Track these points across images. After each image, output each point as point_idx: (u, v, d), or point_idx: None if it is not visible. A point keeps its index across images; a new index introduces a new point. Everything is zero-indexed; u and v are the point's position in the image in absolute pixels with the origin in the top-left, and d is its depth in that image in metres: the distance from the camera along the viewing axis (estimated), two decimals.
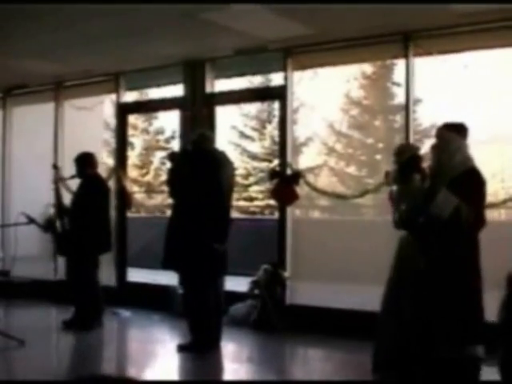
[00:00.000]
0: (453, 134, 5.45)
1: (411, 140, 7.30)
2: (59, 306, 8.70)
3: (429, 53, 7.14)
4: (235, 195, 8.44)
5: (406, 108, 7.43)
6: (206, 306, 6.54)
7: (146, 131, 24.56)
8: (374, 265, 6.87)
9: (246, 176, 22.51)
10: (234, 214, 9.73)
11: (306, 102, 8.57)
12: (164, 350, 7.16)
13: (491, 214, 7.55)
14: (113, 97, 9.79)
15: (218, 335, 6.76)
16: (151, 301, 8.76)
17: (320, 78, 8.33)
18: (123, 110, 9.76)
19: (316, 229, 8.36)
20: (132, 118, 17.64)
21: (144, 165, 24.29)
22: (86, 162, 7.85)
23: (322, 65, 8.09)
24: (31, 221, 7.37)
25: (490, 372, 5.02)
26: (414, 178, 5.60)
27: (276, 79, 9.19)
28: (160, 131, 24.53)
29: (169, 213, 7.89)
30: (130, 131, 17.12)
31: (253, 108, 22.69)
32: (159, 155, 24.07)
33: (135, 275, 9.92)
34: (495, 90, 7.16)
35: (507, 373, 4.47)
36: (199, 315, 6.58)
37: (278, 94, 8.36)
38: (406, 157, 5.84)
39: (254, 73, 10.13)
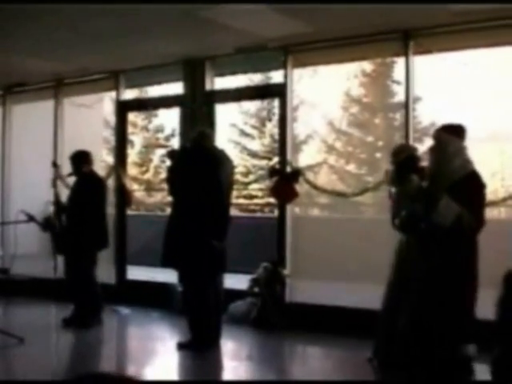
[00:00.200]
0: (451, 136, 5.41)
1: (411, 138, 7.30)
2: (59, 303, 8.70)
3: (428, 51, 7.13)
4: (235, 193, 8.44)
5: (406, 106, 7.43)
6: (205, 304, 6.54)
7: (145, 129, 24.54)
8: (374, 263, 6.88)
9: (246, 174, 22.51)
10: (234, 212, 9.73)
11: (305, 100, 8.56)
12: (164, 347, 7.17)
13: (491, 213, 7.55)
14: (112, 94, 9.78)
15: (218, 333, 6.76)
16: (151, 298, 8.76)
17: (320, 76, 8.33)
18: (123, 108, 9.76)
19: (316, 227, 8.35)
20: (132, 116, 17.65)
21: (144, 163, 24.27)
22: (81, 159, 7.86)
23: (321, 63, 8.09)
24: (31, 219, 7.37)
25: (483, 370, 5.02)
26: (412, 179, 5.58)
27: (276, 77, 9.17)
28: (160, 129, 24.52)
29: (168, 211, 7.90)
30: (130, 129, 17.12)
31: (253, 106, 22.70)
32: (159, 153, 24.06)
33: (135, 273, 9.92)
34: (495, 88, 7.15)
35: (501, 372, 4.47)
36: (199, 313, 6.58)
37: (278, 91, 8.36)
38: (403, 157, 5.85)
39: (253, 71, 10.15)
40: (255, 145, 23.02)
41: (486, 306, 5.14)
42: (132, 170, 20.07)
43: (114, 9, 6.53)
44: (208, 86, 8.81)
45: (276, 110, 14.47)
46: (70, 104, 10.10)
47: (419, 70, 7.35)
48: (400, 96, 7.88)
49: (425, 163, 5.72)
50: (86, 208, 7.61)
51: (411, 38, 7.23)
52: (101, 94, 10.00)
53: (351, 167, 13.84)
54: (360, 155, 14.49)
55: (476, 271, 5.29)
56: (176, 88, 9.25)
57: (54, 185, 8.14)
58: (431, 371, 5.25)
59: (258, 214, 19.59)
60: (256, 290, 7.97)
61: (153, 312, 8.50)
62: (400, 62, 7.68)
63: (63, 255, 8.15)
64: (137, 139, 24.00)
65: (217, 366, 6.53)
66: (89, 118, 10.19)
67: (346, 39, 7.54)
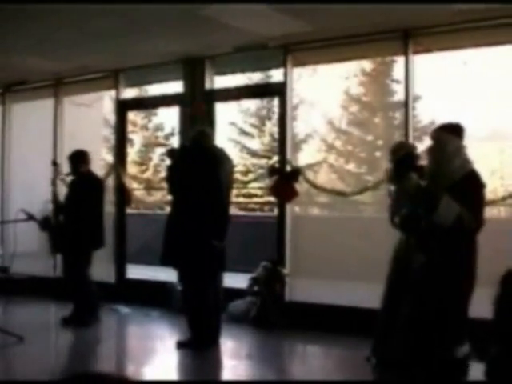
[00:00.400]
0: (450, 135, 5.39)
1: (411, 137, 7.30)
2: (58, 302, 8.71)
3: (428, 50, 7.14)
4: (234, 192, 8.43)
5: (406, 105, 7.43)
6: (205, 302, 6.54)
7: (145, 128, 24.53)
8: (373, 262, 6.87)
9: (246, 173, 22.50)
10: (233, 211, 9.73)
11: (305, 99, 8.56)
12: (163, 346, 7.17)
13: (490, 212, 7.54)
14: (112, 93, 9.78)
15: (217, 332, 6.76)
16: (150, 297, 8.77)
17: (319, 75, 8.33)
18: (123, 107, 9.76)
19: (315, 226, 8.35)
20: (131, 115, 17.63)
21: (143, 161, 24.27)
22: (79, 159, 7.87)
23: (321, 61, 8.09)
24: (30, 217, 7.38)
25: (479, 370, 5.02)
26: (411, 177, 5.57)
27: (275, 76, 9.17)
28: (159, 128, 24.51)
29: (168, 209, 7.90)
30: (130, 128, 17.11)
31: (252, 105, 22.70)
32: (158, 152, 24.04)
33: (134, 272, 9.92)
34: (495, 87, 7.15)
35: (497, 372, 4.46)
36: (198, 312, 6.58)
37: (278, 90, 8.36)
38: (401, 154, 5.84)
39: (253, 70, 10.14)
40: (255, 144, 23.01)
41: (484, 305, 5.15)
42: (132, 169, 20.06)
43: (113, 8, 6.53)
44: (208, 85, 8.81)
45: (276, 109, 14.46)
46: (69, 103, 10.10)
47: (419, 68, 7.35)
48: (400, 95, 7.88)
49: (424, 162, 5.71)
50: (81, 207, 7.62)
51: (411, 37, 7.23)
52: (100, 92, 10.00)
53: (351, 166, 13.84)
54: (360, 154, 14.49)
55: (474, 271, 5.29)
56: (176, 87, 9.26)
57: (54, 184, 8.14)
58: (429, 370, 5.25)
59: (258, 213, 19.59)
60: (256, 288, 7.97)
61: (152, 311, 8.50)
62: (400, 61, 7.68)
63: (60, 254, 8.17)
64: (136, 138, 23.99)
65: (216, 364, 6.53)
66: (88, 117, 10.19)
67: (346, 38, 7.54)
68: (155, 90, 10.82)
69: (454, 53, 7.12)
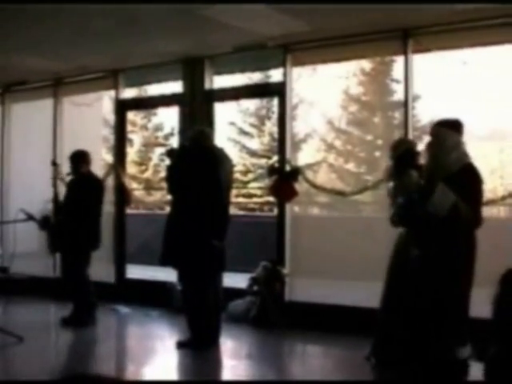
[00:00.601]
0: (449, 130, 5.40)
1: (410, 136, 7.30)
2: (58, 302, 8.71)
3: (428, 49, 7.13)
4: (234, 192, 8.43)
5: (405, 104, 7.42)
6: (205, 302, 6.54)
7: (144, 128, 24.53)
8: (373, 261, 6.87)
9: (245, 172, 22.49)
10: (233, 211, 9.73)
11: (304, 99, 8.57)
12: (163, 346, 7.16)
13: (490, 211, 7.55)
14: (112, 93, 9.78)
15: (217, 332, 6.76)
16: (150, 297, 8.77)
17: (319, 75, 8.34)
18: (122, 107, 9.75)
19: (315, 225, 8.35)
20: (131, 115, 17.63)
21: (143, 161, 24.26)
22: (79, 159, 7.87)
23: (320, 61, 8.09)
24: (30, 217, 7.38)
25: (478, 369, 5.02)
26: (411, 174, 5.56)
27: (275, 76, 9.17)
28: (159, 128, 24.50)
29: (168, 209, 7.89)
30: (129, 128, 17.11)
31: (252, 104, 22.69)
32: (158, 152, 24.04)
33: (134, 272, 9.92)
34: (494, 87, 7.16)
35: (496, 371, 4.47)
36: (198, 312, 6.58)
37: (277, 90, 8.35)
38: (401, 150, 5.84)
39: (252, 69, 10.12)
40: (254, 143, 23.00)
41: (484, 305, 5.15)
42: (131, 169, 20.08)
43: (113, 8, 6.53)
44: (207, 85, 8.80)
45: (275, 109, 14.48)
46: (69, 103, 10.09)
47: (418, 68, 7.35)
48: (399, 94, 7.88)
49: (423, 161, 5.71)
50: (80, 208, 7.62)
51: (410, 37, 7.23)
52: (100, 92, 9.99)
53: (350, 166, 13.86)
54: (359, 154, 14.51)
55: (473, 268, 5.29)
56: (175, 87, 9.26)
57: (54, 184, 8.14)
58: (428, 370, 5.25)
59: (258, 213, 19.59)
60: (255, 288, 7.97)
61: (152, 311, 8.50)
62: (399, 61, 7.68)
63: (58, 254, 8.18)
64: (136, 138, 23.99)
65: (216, 364, 6.53)
66: (88, 117, 10.18)
67: (345, 38, 7.54)
68: (155, 89, 10.82)
69: (454, 52, 7.11)
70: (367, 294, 6.76)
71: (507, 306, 4.37)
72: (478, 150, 5.73)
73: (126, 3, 6.39)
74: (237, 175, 19.23)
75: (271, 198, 11.31)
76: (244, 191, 21.76)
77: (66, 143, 9.94)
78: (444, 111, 6.98)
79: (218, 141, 7.73)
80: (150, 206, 20.77)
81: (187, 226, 6.46)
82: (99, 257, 8.10)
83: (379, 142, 11.79)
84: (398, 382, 5.46)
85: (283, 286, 7.97)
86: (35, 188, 9.59)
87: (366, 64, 14.50)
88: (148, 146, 24.58)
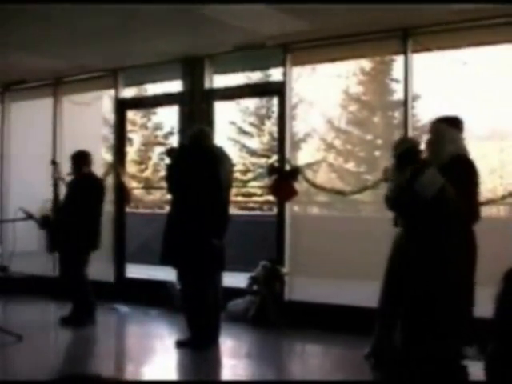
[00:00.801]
0: (448, 127, 5.44)
1: (410, 136, 7.30)
2: (57, 301, 8.70)
3: (427, 49, 7.13)
4: (234, 191, 8.43)
5: (405, 104, 7.42)
6: (204, 302, 6.54)
7: (144, 127, 24.54)
8: (373, 261, 6.86)
9: (245, 172, 22.50)
10: (233, 210, 9.73)
11: (304, 98, 8.59)
12: (162, 345, 7.16)
13: (490, 210, 7.55)
14: (111, 92, 9.77)
15: (217, 331, 6.76)
16: (150, 296, 8.76)
17: (319, 74, 8.35)
18: (122, 106, 9.75)
19: (315, 225, 8.35)
20: (131, 114, 17.62)
21: (143, 160, 24.27)
22: (80, 160, 7.87)
23: (320, 61, 8.10)
24: (29, 216, 7.38)
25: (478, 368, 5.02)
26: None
27: (275, 75, 9.18)
28: (159, 127, 24.51)
29: (167, 208, 7.89)
30: (129, 127, 17.10)
31: (251, 104, 22.70)
32: (158, 151, 24.05)
33: (134, 271, 9.91)
34: (494, 86, 7.16)
35: (495, 368, 4.47)
36: (198, 311, 6.57)
37: (277, 89, 8.35)
38: (403, 149, 5.84)
39: (252, 69, 10.13)
40: (254, 143, 23.01)
41: (483, 305, 5.15)
42: (131, 168, 20.08)
43: (112, 7, 6.52)
44: (207, 84, 8.80)
45: (275, 108, 14.48)
46: (68, 102, 10.09)
47: (418, 68, 7.35)
48: (399, 94, 7.90)
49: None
50: (80, 208, 7.62)
51: (410, 36, 7.22)
52: (100, 91, 10.00)
53: (350, 165, 13.86)
54: (359, 153, 14.52)
55: (473, 267, 5.29)
56: (175, 86, 9.26)
57: (53, 183, 8.13)
58: (427, 370, 5.25)
59: (257, 212, 19.59)
60: (255, 288, 7.97)
61: (152, 310, 8.50)
62: (399, 60, 7.68)
63: (57, 253, 8.18)
64: (136, 137, 24.00)
65: (216, 364, 6.52)
66: (88, 116, 10.19)
67: (345, 37, 7.54)
68: (154, 89, 10.83)
69: (454, 52, 7.11)
70: (367, 293, 6.75)
71: (509, 304, 4.37)
72: (477, 149, 5.73)
73: (125, 3, 6.39)
74: (236, 174, 19.21)
75: (271, 198, 11.30)
76: (244, 190, 21.77)
77: (65, 142, 9.95)
78: (444, 111, 6.98)
79: (217, 140, 7.74)
80: (149, 205, 20.77)
81: (187, 226, 6.46)
82: (99, 256, 8.09)
83: (379, 141, 11.81)
84: (397, 381, 5.46)
85: (283, 286, 7.97)
86: (35, 187, 9.58)
87: (365, 63, 14.51)
88: (148, 145, 24.59)
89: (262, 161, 21.81)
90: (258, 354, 6.93)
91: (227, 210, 6.82)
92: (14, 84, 10.46)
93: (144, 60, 8.97)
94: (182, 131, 8.87)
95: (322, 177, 9.07)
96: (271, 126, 21.34)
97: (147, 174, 23.96)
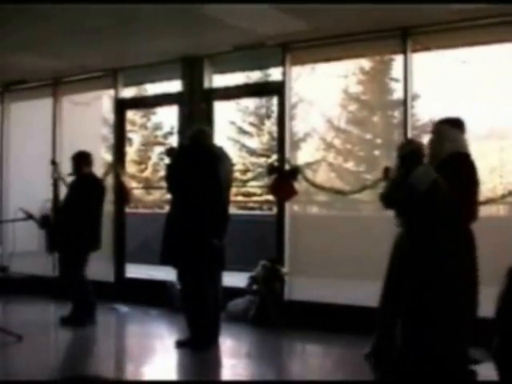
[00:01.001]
0: (450, 128, 5.47)
1: (410, 135, 7.30)
2: (57, 301, 8.70)
3: (427, 48, 7.14)
4: (233, 191, 8.43)
5: (405, 103, 7.42)
6: (204, 302, 6.54)
7: (144, 127, 24.54)
8: (373, 260, 6.87)
9: (245, 171, 22.50)
10: (233, 210, 9.74)
11: (304, 98, 8.57)
12: (162, 345, 7.16)
13: (490, 209, 7.55)
14: (111, 92, 9.77)
15: (217, 331, 6.76)
16: (150, 296, 8.76)
17: (318, 74, 8.33)
18: (121, 106, 9.75)
19: (314, 224, 8.35)
20: (130, 114, 17.63)
21: (142, 160, 24.27)
22: (81, 160, 7.87)
23: (320, 60, 8.09)
24: (29, 216, 7.38)
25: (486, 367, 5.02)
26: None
27: (274, 75, 9.17)
28: (158, 127, 24.52)
29: (167, 208, 7.89)
30: (129, 127, 17.12)
31: (251, 103, 22.70)
32: (157, 151, 24.06)
33: (133, 271, 9.91)
34: (494, 86, 7.15)
35: (501, 363, 4.47)
36: (198, 311, 6.57)
37: (277, 89, 8.34)
38: (406, 151, 5.85)
39: (252, 68, 10.12)
40: (254, 142, 23.01)
41: (484, 304, 5.15)
42: (131, 168, 20.09)
43: (112, 7, 6.53)
44: (206, 84, 8.80)
45: (274, 108, 14.48)
46: (68, 102, 10.09)
47: (417, 67, 7.35)
48: (398, 93, 7.88)
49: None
50: (80, 209, 7.62)
51: (409, 36, 7.23)
52: (99, 91, 9.99)
53: (350, 165, 13.86)
54: (358, 153, 14.51)
55: (474, 267, 5.29)
56: (174, 86, 9.26)
57: (53, 183, 8.13)
58: (428, 369, 5.25)
59: (257, 212, 19.59)
60: (255, 287, 7.97)
61: (151, 310, 8.50)
62: (398, 60, 7.68)
63: (57, 253, 8.19)
64: (135, 137, 24.01)
65: (216, 364, 6.52)
66: (87, 116, 10.19)
67: (344, 37, 7.54)
68: (154, 89, 10.83)
69: (453, 51, 7.11)
70: (367, 292, 6.76)
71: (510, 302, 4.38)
72: (477, 149, 5.73)
73: (125, 3, 6.39)
74: (236, 174, 19.22)
75: (270, 197, 11.30)
76: (243, 190, 21.77)
77: (65, 142, 9.95)
78: (443, 110, 6.98)
79: (217, 140, 7.74)
80: (149, 205, 20.77)
81: (187, 225, 6.46)
82: (98, 256, 8.08)
83: (378, 140, 11.81)
84: (397, 381, 5.46)
85: (282, 285, 7.97)
86: (34, 187, 9.59)
87: (365, 63, 14.51)
88: (147, 145, 24.60)
89: (262, 160, 21.82)
90: (258, 353, 6.93)
91: (227, 209, 6.82)
92: (13, 84, 10.46)
93: (143, 60, 8.98)
94: (182, 131, 8.86)
95: (322, 176, 9.07)
96: (271, 125, 21.34)
97: (147, 173, 23.96)
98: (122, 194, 9.53)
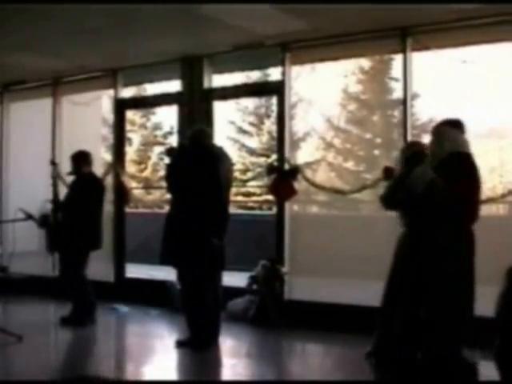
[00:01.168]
0: (450, 129, 5.48)
1: (409, 135, 7.31)
2: (57, 301, 8.70)
3: (426, 47, 7.13)
4: (233, 190, 8.43)
5: (404, 103, 7.43)
6: (204, 301, 6.54)
7: (143, 127, 24.54)
8: (373, 260, 6.87)
9: (244, 171, 22.50)
10: (232, 209, 9.73)
11: (303, 97, 8.57)
12: (162, 345, 7.16)
13: (489, 209, 7.55)
14: (111, 92, 9.77)
15: (217, 331, 6.76)
16: (149, 296, 8.76)
17: (318, 73, 8.33)
18: (121, 106, 9.75)
19: (314, 224, 8.35)
20: (130, 114, 17.63)
21: (142, 160, 24.28)
22: (81, 160, 7.87)
23: (319, 60, 8.09)
24: (29, 217, 7.38)
25: (487, 367, 5.02)
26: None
27: (274, 74, 9.16)
28: (158, 127, 24.52)
29: (167, 208, 7.89)
30: (128, 127, 17.11)
31: (251, 103, 22.70)
32: (157, 151, 24.07)
33: (133, 271, 9.91)
34: (493, 85, 7.15)
35: (503, 364, 4.48)
36: (197, 311, 6.57)
37: (276, 89, 8.35)
38: (409, 153, 5.86)
39: (251, 68, 10.12)
40: (253, 142, 23.01)
41: (483, 304, 5.16)
42: (130, 168, 20.09)
43: (111, 7, 6.52)
44: (206, 84, 8.80)
45: (274, 108, 14.46)
46: (68, 102, 10.09)
47: (417, 66, 7.35)
48: (398, 93, 7.89)
49: None
50: (81, 208, 7.62)
51: (409, 35, 7.23)
52: (99, 91, 9.98)
53: (349, 164, 13.84)
54: (358, 152, 14.49)
55: (472, 266, 5.29)
56: (174, 85, 9.25)
57: (53, 183, 8.13)
58: (428, 369, 5.25)
59: (257, 212, 19.59)
60: (255, 287, 7.98)
61: (151, 310, 8.50)
62: (398, 59, 7.67)
63: (57, 253, 8.19)
64: (135, 137, 24.01)
65: (216, 363, 6.52)
66: (87, 116, 10.18)
67: (344, 36, 7.54)
68: (153, 88, 10.82)
69: (453, 50, 7.11)
70: (366, 292, 6.76)
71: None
72: (477, 148, 5.72)
73: (125, 3, 6.38)
74: (236, 174, 19.23)
75: (270, 197, 11.30)
76: (243, 190, 21.77)
77: (64, 142, 9.94)
78: (443, 109, 6.99)
79: (217, 140, 7.74)
80: (149, 204, 20.79)
81: (187, 225, 6.46)
82: (98, 256, 8.09)
83: (378, 140, 11.80)
84: (398, 381, 5.46)
85: (282, 285, 7.97)
86: (34, 187, 9.58)
87: (364, 62, 14.51)
88: (147, 144, 24.60)
89: (262, 160, 21.82)
90: (258, 353, 6.93)
91: (227, 209, 6.81)
92: (13, 84, 10.47)
93: (143, 60, 8.97)
94: (182, 131, 8.86)
95: (322, 176, 9.06)
96: (270, 125, 21.34)
97: (146, 173, 23.96)
98: (122, 194, 9.53)
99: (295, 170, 7.99)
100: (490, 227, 5.58)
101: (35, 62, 8.94)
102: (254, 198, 21.33)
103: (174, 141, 12.97)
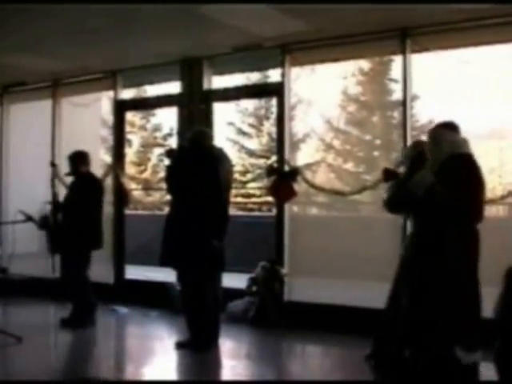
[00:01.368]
0: (446, 131, 5.47)
1: (409, 136, 7.31)
2: (57, 303, 8.70)
3: (426, 49, 7.14)
4: (233, 192, 8.42)
5: (404, 104, 7.43)
6: (204, 303, 6.54)
7: (143, 128, 24.55)
8: (372, 261, 6.88)
9: (244, 173, 22.51)
10: (232, 211, 9.74)
11: (303, 99, 8.55)
12: (162, 347, 7.16)
13: (489, 210, 7.55)
14: (110, 94, 9.77)
15: (216, 332, 6.76)
16: (149, 298, 8.76)
17: (317, 75, 8.33)
18: (121, 107, 9.75)
19: (314, 225, 8.35)
20: (130, 115, 17.64)
21: (142, 162, 24.28)
22: (78, 160, 7.87)
23: (319, 61, 8.09)
24: (29, 218, 7.38)
25: (487, 368, 5.02)
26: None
27: (273, 76, 9.16)
28: (158, 128, 24.53)
29: (167, 210, 7.89)
30: (128, 128, 17.09)
31: (250, 105, 22.72)
32: (157, 152, 24.08)
33: (133, 272, 9.91)
34: (493, 86, 7.15)
35: (503, 366, 4.48)
36: (197, 312, 6.57)
37: (276, 90, 8.35)
38: (416, 152, 5.85)
39: (251, 69, 10.13)
40: (253, 144, 23.03)
41: (484, 305, 5.15)
42: (130, 169, 20.11)
43: (111, 8, 6.53)
44: (206, 85, 8.81)
45: (274, 109, 14.48)
46: (67, 103, 10.09)
47: (417, 68, 7.35)
48: (398, 94, 7.88)
49: None
50: (80, 208, 7.62)
51: (408, 36, 7.23)
52: (98, 93, 9.98)
53: (349, 165, 13.81)
54: (358, 153, 14.47)
55: (475, 267, 5.28)
56: (174, 87, 9.26)
57: (53, 184, 8.14)
58: (428, 371, 5.25)
59: (256, 213, 19.59)
60: (254, 288, 7.98)
61: (151, 311, 8.50)
62: (397, 60, 7.67)
63: (58, 254, 8.19)
64: (135, 138, 24.01)
65: (215, 365, 6.52)
66: (86, 118, 10.19)
67: (344, 38, 7.54)
68: (153, 90, 10.82)
69: (452, 52, 7.11)
70: (366, 293, 6.76)
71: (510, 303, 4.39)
72: (477, 149, 5.72)
73: (124, 3, 6.38)
74: (236, 175, 19.22)
75: (270, 198, 11.31)
76: (243, 191, 21.78)
77: (64, 144, 9.94)
78: (443, 111, 6.98)
79: (216, 141, 7.73)
80: (148, 206, 20.76)
81: (187, 227, 6.46)
82: (98, 257, 8.09)
83: (378, 141, 11.78)
84: (398, 382, 5.46)
85: (282, 286, 7.98)
86: (34, 188, 9.58)
87: (364, 64, 14.48)
88: (147, 146, 24.61)
89: (261, 162, 21.84)
90: (258, 354, 6.93)
91: (227, 211, 6.82)
92: (12, 86, 10.47)
93: (143, 61, 8.98)
94: (181, 132, 8.87)
95: (321, 177, 9.04)
96: (270, 126, 21.36)
97: (146, 175, 23.97)
98: (122, 196, 9.53)
99: (295, 172, 7.99)
100: (490, 229, 5.56)
101: (35, 63, 8.95)
102: (254, 200, 21.33)
103: (173, 142, 12.97)
